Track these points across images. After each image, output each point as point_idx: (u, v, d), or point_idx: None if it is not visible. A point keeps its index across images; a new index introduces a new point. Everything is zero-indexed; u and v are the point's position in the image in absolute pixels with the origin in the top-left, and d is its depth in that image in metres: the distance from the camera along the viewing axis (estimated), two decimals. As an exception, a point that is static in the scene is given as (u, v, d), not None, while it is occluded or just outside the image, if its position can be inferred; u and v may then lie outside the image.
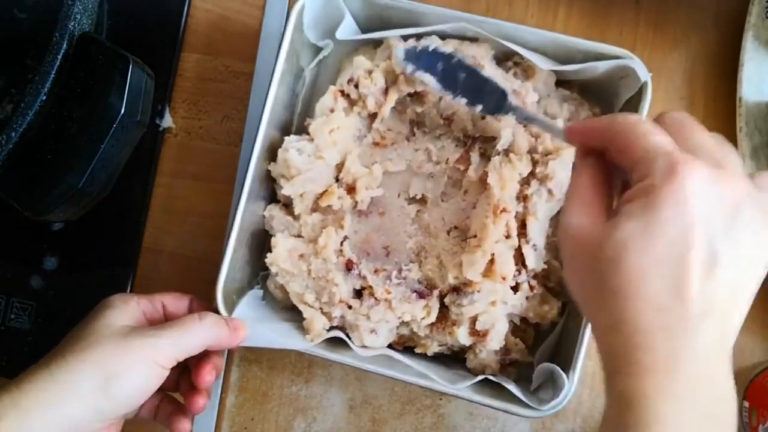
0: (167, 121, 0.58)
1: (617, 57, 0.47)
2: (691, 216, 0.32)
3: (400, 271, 0.50)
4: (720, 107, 0.54)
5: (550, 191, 0.49)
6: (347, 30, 0.51)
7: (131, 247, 0.58)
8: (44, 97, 0.45)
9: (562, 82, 0.51)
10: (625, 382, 0.33)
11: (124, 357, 0.42)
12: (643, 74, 0.47)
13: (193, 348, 0.45)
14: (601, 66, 0.48)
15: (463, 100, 0.47)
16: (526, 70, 0.50)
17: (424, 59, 0.47)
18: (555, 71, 0.50)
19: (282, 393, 0.57)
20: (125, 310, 0.45)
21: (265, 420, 0.57)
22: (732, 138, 0.52)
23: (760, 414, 0.50)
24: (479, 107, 0.47)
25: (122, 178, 0.50)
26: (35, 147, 0.46)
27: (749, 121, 0.52)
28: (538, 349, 0.51)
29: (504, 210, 0.47)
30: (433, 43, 0.49)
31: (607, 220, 0.35)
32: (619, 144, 0.35)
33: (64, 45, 0.46)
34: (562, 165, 0.48)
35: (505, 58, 0.52)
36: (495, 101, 0.46)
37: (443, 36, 0.51)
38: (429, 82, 0.47)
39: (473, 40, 0.51)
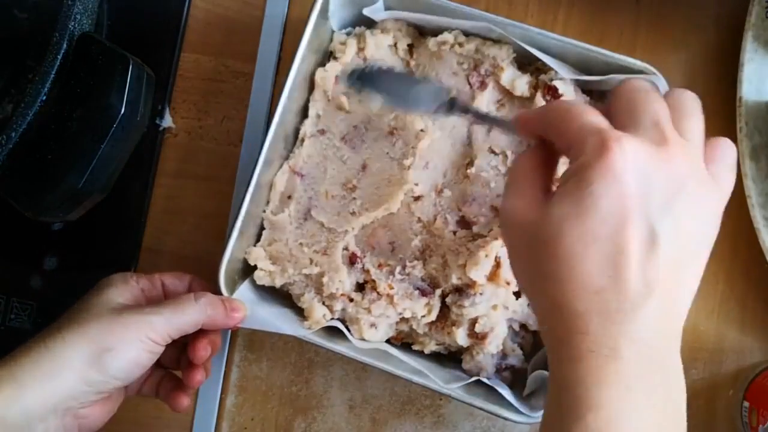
0: (167, 121, 0.58)
1: (641, 72, 0.47)
2: (625, 192, 0.31)
3: (404, 267, 0.50)
4: (720, 107, 0.54)
5: None
6: (376, 11, 0.52)
7: (131, 247, 0.58)
8: (44, 97, 0.45)
9: (582, 90, 0.51)
10: (562, 368, 0.33)
11: (118, 332, 0.43)
12: (664, 91, 0.47)
13: (187, 326, 0.45)
14: (624, 79, 0.47)
15: (415, 109, 0.48)
16: (553, 91, 0.49)
17: (367, 79, 0.48)
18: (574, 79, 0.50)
19: (282, 393, 0.57)
20: (124, 288, 0.46)
21: (265, 420, 0.57)
22: (732, 138, 0.52)
23: (760, 414, 0.50)
24: (431, 112, 0.48)
25: (122, 178, 0.50)
26: (35, 147, 0.46)
27: (749, 121, 0.52)
28: (534, 356, 0.51)
29: None
30: (373, 64, 0.50)
31: (545, 203, 0.34)
32: (556, 128, 0.35)
33: (64, 45, 0.46)
34: None
35: (527, 63, 0.51)
36: (445, 102, 0.47)
37: (466, 33, 0.51)
38: (377, 100, 0.49)
39: (495, 41, 0.51)
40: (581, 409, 0.31)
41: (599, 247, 0.32)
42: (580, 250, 0.32)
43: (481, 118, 0.47)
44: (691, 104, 0.36)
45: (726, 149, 0.36)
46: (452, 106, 0.47)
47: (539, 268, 0.34)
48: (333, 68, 0.52)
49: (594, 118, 0.34)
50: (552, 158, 0.36)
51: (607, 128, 0.33)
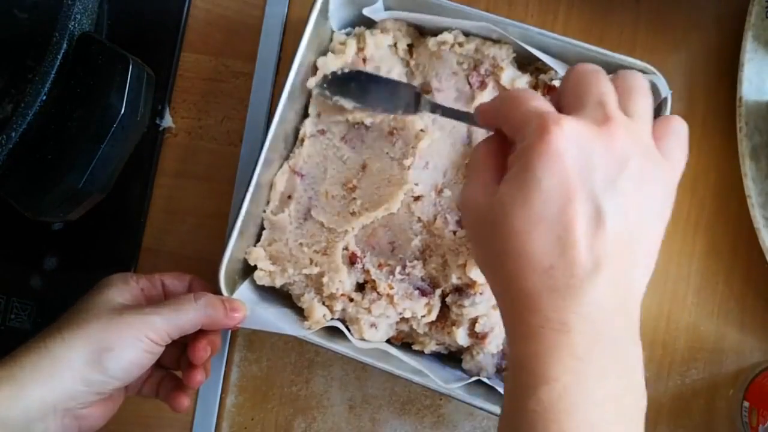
0: (167, 121, 0.58)
1: (641, 71, 0.47)
2: (566, 171, 0.32)
3: (404, 267, 0.50)
4: (720, 107, 0.54)
5: None
6: (376, 11, 0.52)
7: (131, 247, 0.58)
8: (44, 97, 0.45)
9: None
10: (517, 345, 0.33)
11: (118, 332, 0.43)
12: (664, 90, 0.47)
13: (187, 326, 0.45)
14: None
15: (382, 110, 0.50)
16: (553, 91, 0.49)
17: (337, 84, 0.50)
18: None
19: (282, 393, 0.57)
20: (123, 288, 0.47)
21: (265, 420, 0.57)
22: (732, 138, 0.52)
23: (760, 414, 0.50)
24: (399, 112, 0.49)
25: (122, 178, 0.50)
26: (35, 147, 0.46)
27: (749, 121, 0.52)
28: None
29: None
30: (339, 68, 0.51)
31: (496, 188, 0.35)
32: (504, 116, 0.36)
33: (64, 45, 0.46)
34: None
35: (527, 63, 0.52)
36: (411, 101, 0.49)
37: (466, 33, 0.51)
38: (346, 104, 0.50)
39: (495, 41, 0.51)
40: (535, 384, 0.32)
41: (546, 226, 0.32)
42: (528, 229, 0.33)
43: (447, 112, 0.48)
44: (638, 84, 0.37)
45: (676, 125, 0.37)
46: (418, 103, 0.49)
47: (492, 249, 0.35)
48: (334, 58, 0.52)
49: (537, 103, 0.35)
50: (507, 146, 0.37)
51: (549, 111, 0.34)
